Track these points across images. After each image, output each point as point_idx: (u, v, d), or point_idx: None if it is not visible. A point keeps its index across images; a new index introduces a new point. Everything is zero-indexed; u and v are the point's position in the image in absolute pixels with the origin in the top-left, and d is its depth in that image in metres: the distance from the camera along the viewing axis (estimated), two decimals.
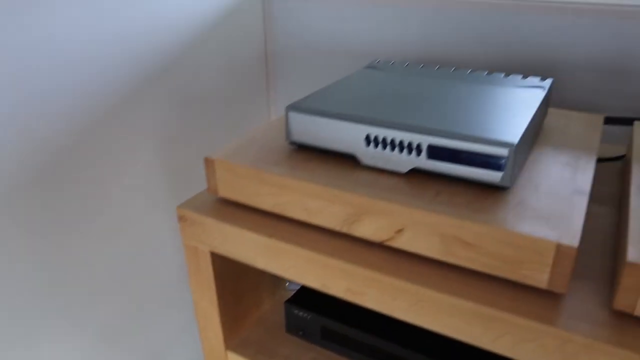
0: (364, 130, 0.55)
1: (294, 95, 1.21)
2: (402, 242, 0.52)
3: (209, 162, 0.62)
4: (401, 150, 0.54)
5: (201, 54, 0.99)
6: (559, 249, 0.44)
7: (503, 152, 0.49)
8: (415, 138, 0.53)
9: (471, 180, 0.52)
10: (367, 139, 0.56)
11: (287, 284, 0.85)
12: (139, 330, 0.99)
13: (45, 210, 0.78)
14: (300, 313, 0.68)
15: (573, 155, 0.60)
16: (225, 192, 0.63)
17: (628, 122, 0.74)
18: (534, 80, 0.69)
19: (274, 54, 1.20)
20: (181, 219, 0.65)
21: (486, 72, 0.72)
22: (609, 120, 0.75)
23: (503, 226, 0.46)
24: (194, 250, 0.67)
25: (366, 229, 0.53)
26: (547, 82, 0.68)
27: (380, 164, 0.56)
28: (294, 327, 0.70)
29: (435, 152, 0.52)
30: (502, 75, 0.71)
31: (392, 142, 0.54)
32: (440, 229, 0.49)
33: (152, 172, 0.94)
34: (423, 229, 0.50)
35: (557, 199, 0.50)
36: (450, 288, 0.49)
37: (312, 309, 0.68)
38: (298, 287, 0.77)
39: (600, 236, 0.56)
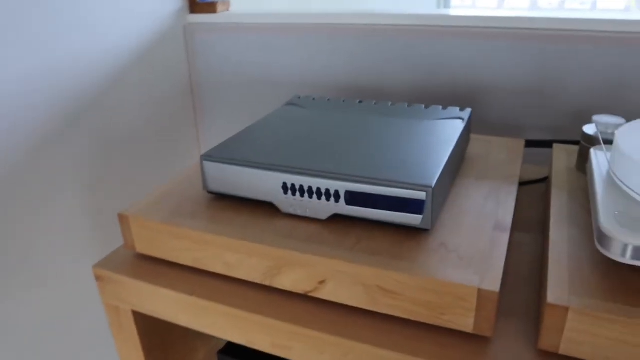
0: (280, 178, 0.54)
1: (224, 129, 1.18)
2: (326, 293, 0.50)
3: (123, 219, 0.59)
4: (319, 197, 0.52)
5: (122, 91, 0.96)
6: (481, 293, 0.43)
7: (421, 195, 0.48)
8: (333, 185, 0.51)
9: (391, 223, 0.51)
10: (285, 187, 0.54)
11: None
12: None
13: None
14: None
15: (494, 186, 0.59)
16: (143, 248, 0.60)
17: (548, 144, 0.74)
18: (454, 110, 0.69)
19: (200, 89, 1.18)
20: (98, 278, 0.61)
21: (407, 104, 0.71)
22: (529, 144, 0.75)
23: (424, 273, 0.45)
24: (115, 310, 0.63)
25: (288, 281, 0.51)
26: (467, 113, 0.68)
27: (299, 212, 0.54)
28: None
29: (354, 198, 0.51)
30: (423, 106, 0.70)
31: (310, 189, 0.52)
32: (362, 278, 0.47)
33: (75, 221, 0.89)
34: (345, 279, 0.48)
35: (478, 237, 0.50)
36: (376, 338, 0.47)
37: (246, 357, 0.65)
38: None
39: (526, 268, 0.56)
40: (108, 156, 0.94)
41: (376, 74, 0.95)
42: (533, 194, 0.71)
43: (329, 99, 0.75)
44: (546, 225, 0.58)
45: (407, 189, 0.48)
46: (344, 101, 0.74)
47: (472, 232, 0.51)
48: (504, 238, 0.49)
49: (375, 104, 0.72)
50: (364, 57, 0.94)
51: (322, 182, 0.51)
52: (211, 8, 1.13)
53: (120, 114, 0.96)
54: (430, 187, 0.48)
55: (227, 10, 1.15)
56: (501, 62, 0.83)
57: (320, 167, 0.53)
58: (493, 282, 0.43)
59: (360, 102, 0.73)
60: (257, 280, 0.53)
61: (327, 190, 0.52)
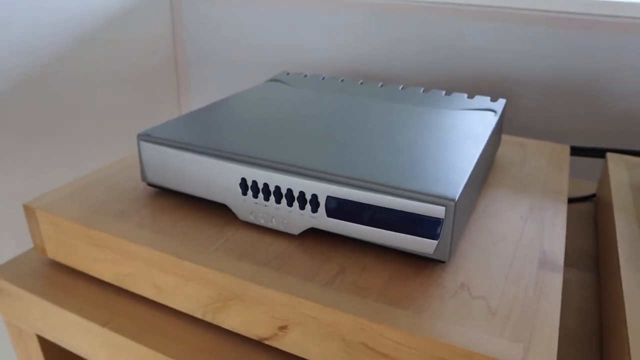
0: (238, 171, 0.38)
1: None
2: (288, 344, 0.34)
3: (29, 212, 0.43)
4: (291, 202, 0.37)
5: (87, 61, 0.80)
6: None
7: (438, 211, 0.32)
8: (310, 186, 0.35)
9: (390, 248, 0.35)
10: (243, 185, 0.38)
11: None
12: None
13: None
14: None
15: (536, 203, 0.43)
16: (55, 253, 0.44)
17: (599, 153, 0.58)
18: (483, 100, 0.53)
19: (185, 66, 1.02)
20: None
21: (422, 90, 0.55)
22: (575, 151, 0.59)
23: (434, 331, 0.29)
24: (17, 331, 0.48)
25: (237, 320, 0.36)
26: (500, 104, 0.52)
27: (262, 222, 0.38)
28: None
29: (338, 208, 0.35)
30: (443, 93, 0.54)
31: (278, 190, 0.37)
32: (341, 330, 0.31)
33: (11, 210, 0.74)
34: (316, 328, 0.32)
35: (517, 279, 0.34)
36: None
37: None
38: None
39: (576, 325, 0.40)
40: (62, 134, 0.79)
41: (385, 57, 0.79)
42: (575, 215, 0.55)
43: (323, 77, 0.59)
44: (605, 262, 0.42)
45: (418, 200, 0.32)
46: (342, 81, 0.58)
47: (508, 269, 0.35)
48: (556, 282, 0.33)
49: (381, 86, 0.56)
50: (372, 38, 0.79)
51: (296, 180, 0.36)
52: None
53: (84, 86, 0.81)
54: (453, 200, 0.32)
55: None
56: (540, 51, 0.67)
57: (295, 161, 0.37)
58: (545, 357, 0.27)
59: (362, 83, 0.57)
60: (197, 313, 0.37)
61: (302, 194, 0.36)
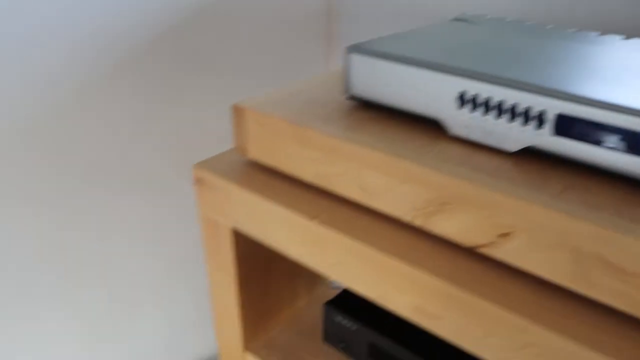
0: (457, 84, 0.39)
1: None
2: (507, 252, 0.35)
3: (238, 112, 0.47)
4: (512, 118, 0.37)
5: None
6: None
7: None
8: (538, 102, 0.36)
9: (620, 174, 0.35)
10: (461, 99, 0.39)
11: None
12: (141, 317, 0.84)
13: (46, 175, 0.64)
14: (344, 321, 0.53)
15: None
16: (257, 153, 0.47)
17: None
18: None
19: (338, 9, 1.02)
20: (198, 181, 0.50)
21: (599, 33, 0.54)
22: None
23: None
24: (212, 225, 0.52)
25: (452, 225, 0.37)
26: None
27: (476, 136, 0.39)
28: (333, 337, 0.55)
29: (567, 126, 0.35)
30: (621, 38, 0.52)
31: (500, 105, 0.37)
32: (575, 240, 0.32)
33: (170, 128, 0.79)
34: (545, 236, 0.33)
35: None
36: (583, 334, 0.32)
37: (360, 317, 0.52)
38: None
39: None
40: (208, 65, 0.82)
41: (558, 3, 0.76)
42: None
43: (505, 18, 0.58)
44: None
45: None
46: (525, 23, 0.57)
47: None
48: None
49: (561, 30, 0.55)
50: None
51: (522, 96, 0.36)
52: None
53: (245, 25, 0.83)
54: None
55: None
56: None
57: (518, 77, 0.37)
58: None
59: (551, 27, 0.56)
60: (406, 217, 0.39)
61: (527, 110, 0.36)
